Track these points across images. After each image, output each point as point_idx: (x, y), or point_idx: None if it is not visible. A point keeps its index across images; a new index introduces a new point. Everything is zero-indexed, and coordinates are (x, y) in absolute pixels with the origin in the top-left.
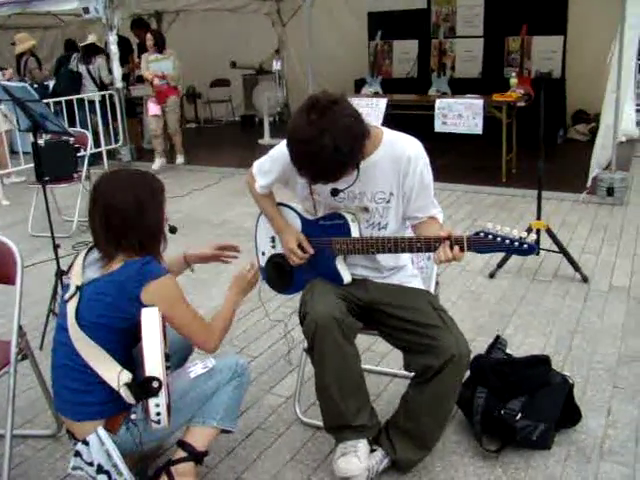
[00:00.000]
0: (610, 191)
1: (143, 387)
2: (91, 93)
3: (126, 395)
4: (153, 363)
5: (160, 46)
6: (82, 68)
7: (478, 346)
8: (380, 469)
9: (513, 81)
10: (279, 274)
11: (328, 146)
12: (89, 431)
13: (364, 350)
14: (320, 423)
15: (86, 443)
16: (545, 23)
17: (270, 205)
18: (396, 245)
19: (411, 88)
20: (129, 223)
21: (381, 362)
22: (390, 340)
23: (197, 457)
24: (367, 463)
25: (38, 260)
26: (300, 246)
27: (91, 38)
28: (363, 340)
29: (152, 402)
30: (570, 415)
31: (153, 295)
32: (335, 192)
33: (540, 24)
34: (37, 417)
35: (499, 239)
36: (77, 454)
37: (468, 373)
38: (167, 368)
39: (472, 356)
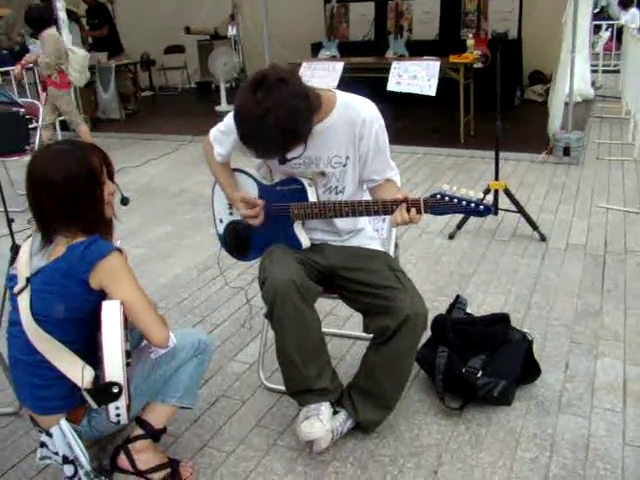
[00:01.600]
0: (566, 151)
1: (103, 392)
2: None
3: (89, 400)
4: (113, 367)
5: (35, 23)
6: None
7: (439, 306)
8: (344, 430)
9: (470, 42)
10: (237, 240)
11: (272, 126)
12: (52, 423)
13: (326, 314)
14: (284, 388)
15: (49, 435)
16: None
17: (223, 173)
18: (353, 209)
19: (368, 51)
20: (62, 205)
21: (343, 326)
22: (350, 303)
23: (155, 434)
24: (330, 425)
25: None
26: (249, 204)
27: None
28: (325, 304)
29: (111, 406)
30: (530, 371)
31: (101, 275)
32: (282, 161)
33: None
34: None
35: (455, 200)
36: (42, 445)
37: (429, 333)
38: (127, 365)
39: (433, 316)
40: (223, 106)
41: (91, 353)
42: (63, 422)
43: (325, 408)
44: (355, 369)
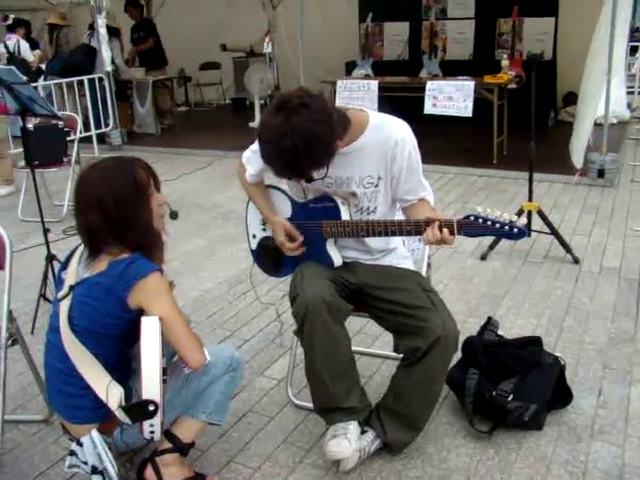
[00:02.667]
0: (601, 173)
1: (139, 410)
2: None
3: (121, 416)
4: (151, 385)
5: None
6: (95, 42)
7: (470, 328)
8: (372, 450)
9: (504, 63)
10: (270, 257)
11: (289, 150)
12: (83, 432)
13: (356, 332)
14: (312, 406)
15: (80, 444)
16: (536, 5)
17: (258, 195)
18: (386, 228)
19: (402, 70)
20: (112, 223)
21: (373, 344)
22: (380, 322)
23: (183, 449)
24: (358, 445)
25: (28, 245)
26: (289, 235)
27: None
28: (355, 322)
29: (146, 423)
30: (561, 396)
31: (139, 296)
32: (309, 180)
33: (531, 6)
34: (29, 402)
35: (489, 223)
36: (72, 453)
37: (460, 355)
38: (163, 382)
39: (464, 338)
40: (257, 122)
41: (120, 369)
42: (94, 432)
43: (353, 427)
44: (384, 388)
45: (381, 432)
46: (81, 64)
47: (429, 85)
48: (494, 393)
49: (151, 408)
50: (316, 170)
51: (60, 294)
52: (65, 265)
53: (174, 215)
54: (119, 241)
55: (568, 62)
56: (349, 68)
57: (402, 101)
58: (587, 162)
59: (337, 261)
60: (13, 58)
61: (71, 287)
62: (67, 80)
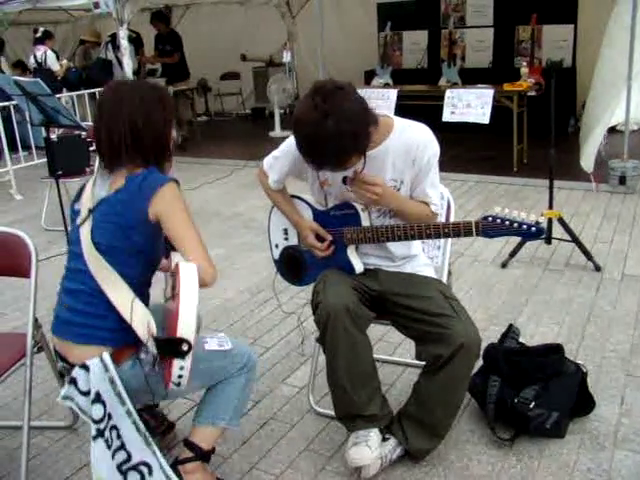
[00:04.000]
0: (622, 180)
1: (172, 345)
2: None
3: (151, 346)
4: (187, 324)
5: None
6: (111, 55)
7: (491, 335)
8: (393, 458)
9: (524, 70)
10: (292, 266)
11: (330, 130)
12: (89, 356)
13: (377, 340)
14: (333, 413)
15: (86, 368)
16: (555, 12)
17: (284, 201)
18: (405, 233)
19: (421, 79)
20: (135, 130)
21: (394, 352)
22: (402, 330)
23: (204, 456)
24: (379, 452)
25: (52, 254)
26: (318, 236)
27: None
28: (377, 330)
29: (177, 364)
30: (584, 403)
31: (158, 205)
32: (346, 180)
33: (550, 13)
34: (53, 409)
35: (507, 222)
36: (72, 381)
37: (481, 362)
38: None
39: (485, 345)
40: (277, 132)
41: (141, 292)
42: (106, 354)
43: (374, 434)
44: (406, 396)
45: (403, 439)
46: (96, 78)
47: (448, 93)
48: (516, 400)
49: (184, 348)
50: (355, 155)
51: (79, 219)
52: (77, 198)
53: (184, 141)
54: (139, 155)
55: (588, 69)
56: (368, 77)
57: (421, 109)
58: (608, 169)
59: (358, 268)
60: (40, 68)
61: (90, 210)
62: (89, 91)
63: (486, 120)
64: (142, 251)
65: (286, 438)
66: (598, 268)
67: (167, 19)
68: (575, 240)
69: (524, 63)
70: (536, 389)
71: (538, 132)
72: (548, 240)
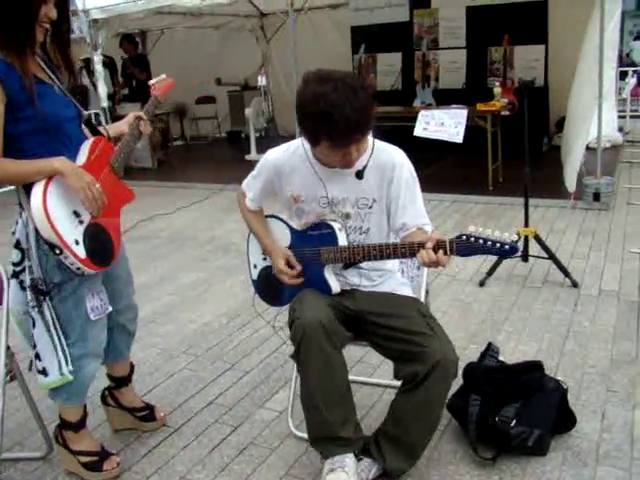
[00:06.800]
0: (597, 196)
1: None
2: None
3: None
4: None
5: None
6: (86, 81)
7: (470, 354)
8: (370, 478)
9: (497, 90)
10: (270, 286)
11: (364, 99)
12: None
13: (356, 362)
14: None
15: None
16: (526, 33)
17: (258, 223)
18: (381, 251)
19: (396, 100)
20: None
21: (373, 374)
22: (380, 350)
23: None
24: (356, 478)
25: None
26: (288, 263)
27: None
28: (355, 351)
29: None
30: (565, 420)
31: None
32: (359, 174)
33: (521, 34)
34: (27, 439)
35: (481, 241)
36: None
37: (461, 381)
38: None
39: (464, 364)
40: (253, 155)
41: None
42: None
43: (349, 460)
44: None
45: (380, 459)
46: None
47: (422, 112)
48: (497, 419)
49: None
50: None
51: None
52: None
53: None
54: None
55: (560, 88)
56: None
57: (396, 131)
58: (582, 186)
59: (335, 288)
60: None
61: None
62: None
63: (459, 140)
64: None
65: (266, 463)
66: (575, 284)
67: (136, 43)
68: (552, 257)
69: (497, 83)
70: (517, 407)
71: (512, 151)
72: (525, 258)
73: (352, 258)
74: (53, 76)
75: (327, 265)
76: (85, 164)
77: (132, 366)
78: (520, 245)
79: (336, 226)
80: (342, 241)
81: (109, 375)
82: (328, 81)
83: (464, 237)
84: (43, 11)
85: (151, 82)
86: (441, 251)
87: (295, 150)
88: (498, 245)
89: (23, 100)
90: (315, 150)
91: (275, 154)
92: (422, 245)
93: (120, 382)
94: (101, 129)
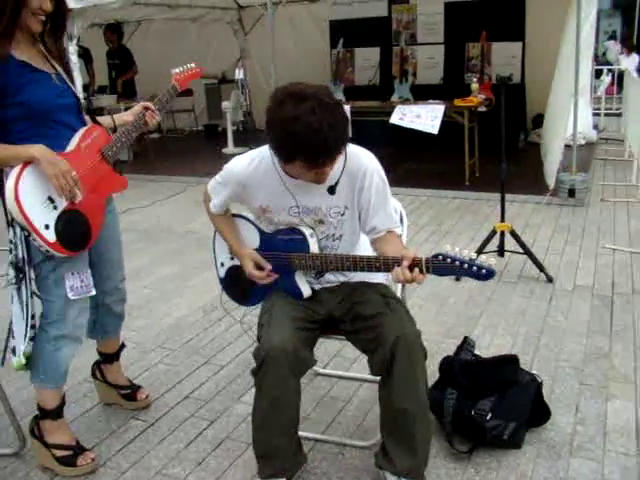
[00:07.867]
0: (572, 192)
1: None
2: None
3: None
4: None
5: None
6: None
7: (447, 348)
8: None
9: (474, 86)
10: (238, 286)
11: (340, 119)
12: None
13: (333, 356)
14: None
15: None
16: (504, 30)
17: (224, 225)
18: (355, 264)
19: (373, 95)
20: None
21: (350, 368)
22: (354, 344)
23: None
24: None
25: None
26: (258, 265)
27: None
28: (332, 346)
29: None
30: (539, 413)
31: None
32: (332, 190)
33: (499, 31)
34: None
35: (457, 262)
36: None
37: (437, 375)
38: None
39: (441, 358)
40: (230, 148)
41: None
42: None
43: None
44: (363, 412)
45: (391, 467)
46: None
47: (399, 107)
48: (472, 412)
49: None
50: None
51: None
52: None
53: None
54: None
55: (536, 85)
56: None
57: (373, 125)
58: (558, 182)
59: (306, 292)
60: None
61: None
62: None
63: (435, 130)
64: None
65: (242, 458)
66: (550, 279)
67: (120, 33)
68: (527, 252)
69: (474, 79)
70: (492, 400)
71: (489, 147)
72: (501, 252)
73: (325, 267)
74: (57, 65)
75: (298, 270)
76: (72, 151)
77: (122, 346)
78: (494, 270)
79: (307, 232)
80: (313, 248)
81: (98, 350)
82: (304, 100)
83: (440, 257)
84: (37, 2)
85: (174, 70)
86: (417, 269)
87: (260, 162)
88: (475, 269)
89: (12, 87)
90: (287, 167)
91: (240, 166)
92: (396, 261)
93: (107, 358)
94: (108, 118)
